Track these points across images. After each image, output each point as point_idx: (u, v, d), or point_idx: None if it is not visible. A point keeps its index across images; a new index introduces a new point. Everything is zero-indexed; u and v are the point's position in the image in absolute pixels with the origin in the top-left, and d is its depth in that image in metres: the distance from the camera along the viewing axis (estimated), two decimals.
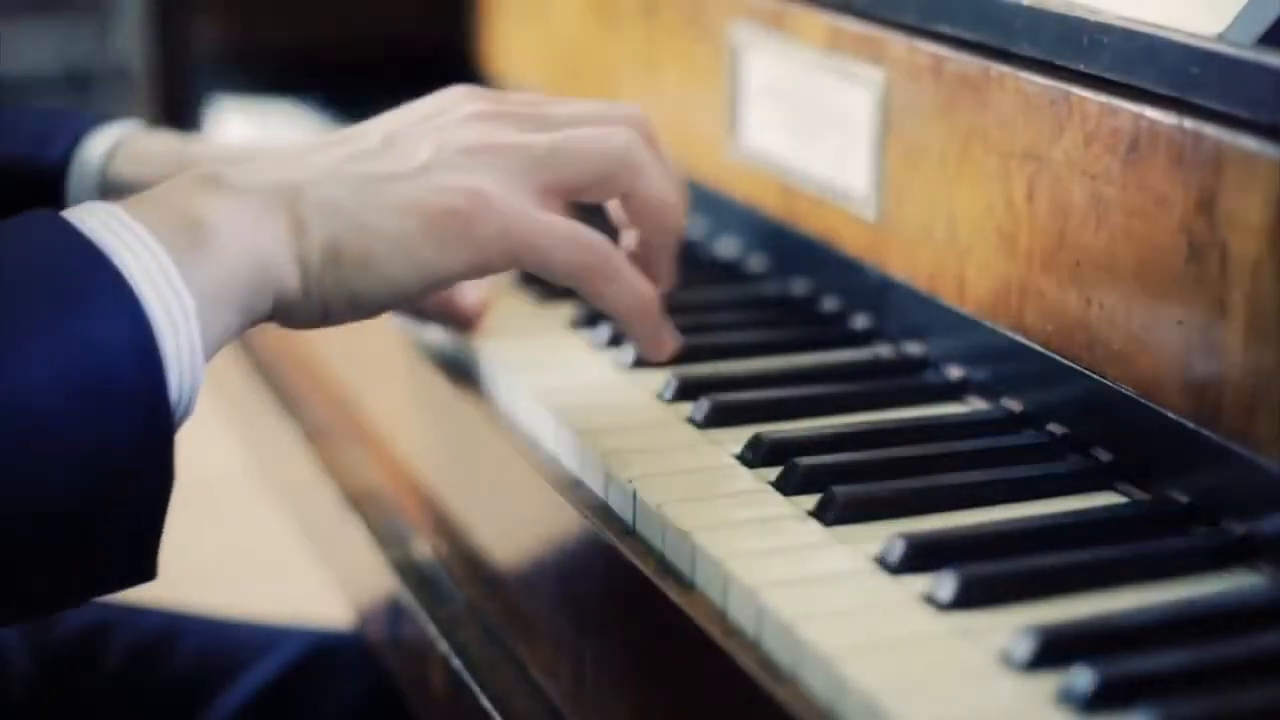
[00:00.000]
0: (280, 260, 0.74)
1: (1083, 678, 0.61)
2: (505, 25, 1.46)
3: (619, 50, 1.22)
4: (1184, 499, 0.74)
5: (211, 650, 1.15)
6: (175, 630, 1.16)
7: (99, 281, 0.69)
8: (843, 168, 0.97)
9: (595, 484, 0.80)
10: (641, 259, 0.84)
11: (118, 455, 0.68)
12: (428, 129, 0.80)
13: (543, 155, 0.79)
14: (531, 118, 0.82)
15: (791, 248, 1.02)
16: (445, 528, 0.97)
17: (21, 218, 0.72)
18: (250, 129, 1.43)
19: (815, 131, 0.99)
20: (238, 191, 0.75)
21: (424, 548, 0.98)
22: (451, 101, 0.82)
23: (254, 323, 0.75)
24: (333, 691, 1.15)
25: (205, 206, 0.73)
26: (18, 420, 0.66)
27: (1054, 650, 0.63)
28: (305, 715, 1.15)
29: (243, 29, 1.55)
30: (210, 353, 0.72)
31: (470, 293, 0.96)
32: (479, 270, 0.78)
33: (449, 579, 0.94)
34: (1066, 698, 0.61)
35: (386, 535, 1.00)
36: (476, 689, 0.85)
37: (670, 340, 0.83)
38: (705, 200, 1.10)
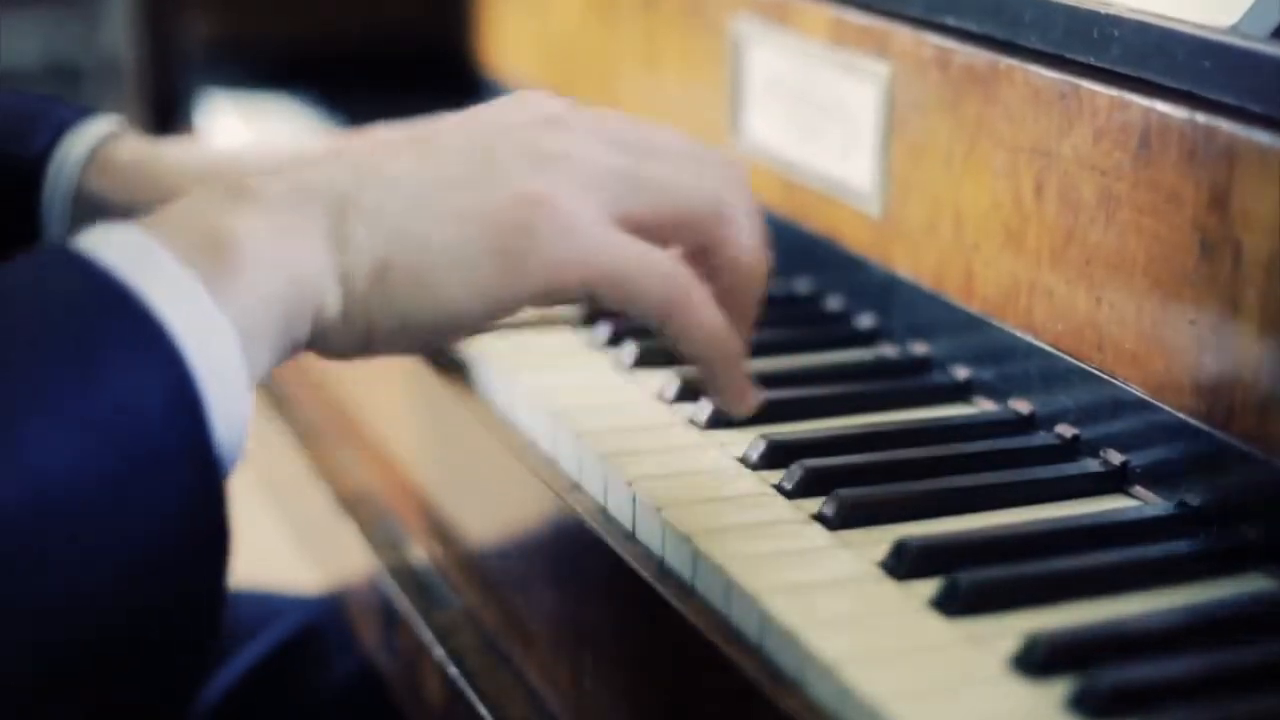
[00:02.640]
0: (320, 278, 0.66)
1: (1091, 684, 0.60)
2: (501, 20, 1.46)
3: (618, 45, 1.22)
4: (1196, 502, 0.74)
5: None
6: None
7: (126, 328, 0.61)
8: (847, 163, 0.97)
9: (594, 487, 0.80)
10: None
11: (166, 533, 0.61)
12: (497, 128, 0.70)
13: (628, 177, 0.69)
14: (617, 137, 0.72)
15: (794, 245, 1.02)
16: (440, 531, 0.96)
17: (35, 256, 0.65)
18: (241, 124, 1.43)
19: (818, 126, 0.99)
20: (267, 201, 0.67)
21: (419, 551, 0.98)
22: (527, 103, 0.73)
23: (295, 350, 0.68)
24: (325, 666, 1.15)
25: (232, 221, 0.65)
26: (48, 516, 0.59)
27: (1062, 656, 0.62)
28: (297, 691, 1.15)
29: (234, 22, 1.55)
30: (254, 385, 0.65)
31: None
32: (549, 297, 0.68)
33: (444, 583, 0.94)
34: (1075, 705, 0.60)
35: (380, 538, 1.00)
36: (473, 696, 0.85)
37: (753, 393, 0.73)
38: None
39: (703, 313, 0.69)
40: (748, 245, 0.72)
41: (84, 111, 1.01)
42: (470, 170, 0.68)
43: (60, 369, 0.60)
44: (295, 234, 0.66)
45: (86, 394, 0.60)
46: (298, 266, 0.66)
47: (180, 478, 0.62)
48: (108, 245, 0.64)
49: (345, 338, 0.68)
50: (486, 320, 0.69)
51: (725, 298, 0.72)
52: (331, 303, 0.67)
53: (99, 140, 0.99)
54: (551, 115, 0.72)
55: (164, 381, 0.61)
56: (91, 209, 0.98)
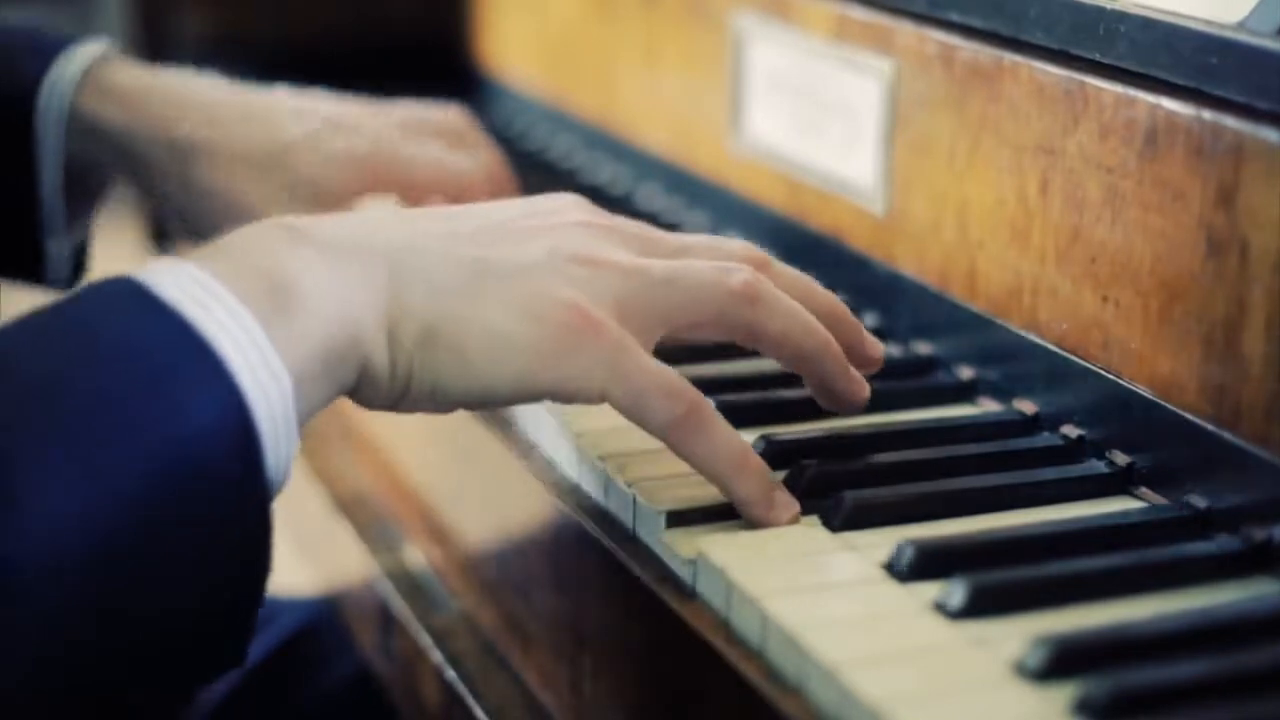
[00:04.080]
0: (372, 330, 0.70)
1: (1097, 688, 0.60)
2: (500, 16, 1.46)
3: (618, 42, 1.22)
4: (1203, 504, 0.73)
5: None
6: None
7: (192, 367, 0.64)
8: (849, 161, 0.97)
9: (594, 489, 0.80)
10: (813, 385, 0.79)
11: (215, 560, 0.65)
12: (538, 227, 0.75)
13: (659, 281, 0.74)
14: (642, 239, 0.77)
15: (796, 244, 1.02)
16: (438, 533, 0.96)
17: (97, 287, 0.67)
18: None
19: (821, 124, 0.99)
20: (330, 249, 0.70)
21: (416, 554, 0.98)
22: (560, 204, 0.77)
23: (341, 394, 0.71)
24: (322, 669, 1.16)
25: (293, 266, 0.68)
26: (115, 539, 0.62)
27: (1068, 660, 0.62)
28: (294, 694, 1.15)
29: (230, 19, 1.55)
30: (301, 426, 0.68)
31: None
32: (569, 394, 0.72)
33: (442, 586, 0.94)
34: (1081, 709, 0.60)
35: (378, 540, 1.00)
36: (471, 701, 0.85)
37: (781, 509, 0.74)
38: (707, 195, 1.11)
39: (706, 431, 0.73)
40: (782, 324, 0.76)
41: (74, 37, 1.02)
42: (517, 259, 0.72)
43: (130, 399, 0.63)
44: (352, 284, 0.69)
45: (157, 428, 0.63)
46: (351, 316, 0.69)
47: (234, 512, 0.65)
48: (172, 281, 0.66)
49: (383, 392, 0.71)
50: (512, 401, 0.73)
51: (793, 369, 0.78)
52: (379, 356, 0.70)
53: (91, 61, 1.00)
54: (583, 218, 0.76)
55: (227, 420, 0.64)
56: (86, 131, 1.00)
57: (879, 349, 0.81)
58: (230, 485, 0.65)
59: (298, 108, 1.03)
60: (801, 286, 0.79)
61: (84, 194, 1.04)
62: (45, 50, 1.00)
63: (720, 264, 0.76)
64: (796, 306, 0.76)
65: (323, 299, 0.68)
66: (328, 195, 0.99)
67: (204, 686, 0.69)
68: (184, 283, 0.66)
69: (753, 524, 0.74)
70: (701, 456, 0.73)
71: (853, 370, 0.78)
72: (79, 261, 1.06)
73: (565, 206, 0.78)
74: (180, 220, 1.03)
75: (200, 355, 0.64)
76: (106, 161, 1.02)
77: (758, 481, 0.73)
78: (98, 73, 1.00)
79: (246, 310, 0.66)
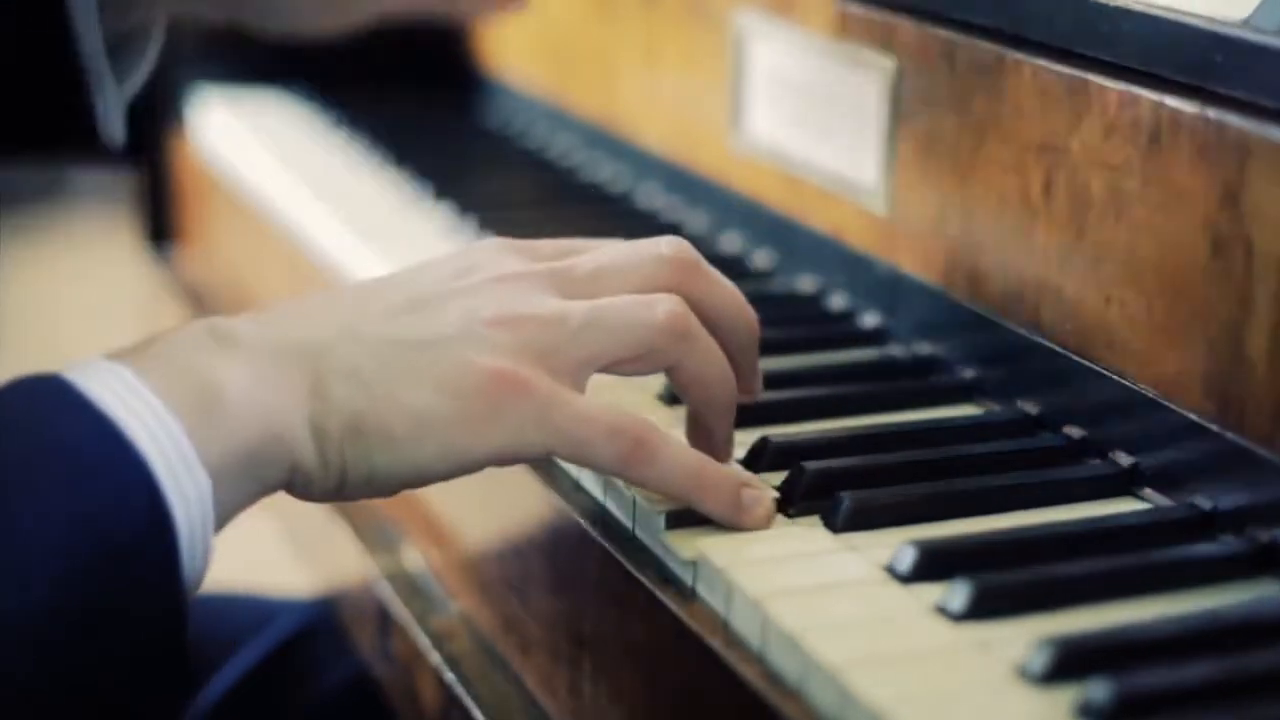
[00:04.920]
0: (296, 431, 0.71)
1: (1101, 691, 0.60)
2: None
3: (618, 40, 1.22)
4: (1207, 505, 0.73)
5: (198, 631, 1.14)
6: None
7: (113, 464, 0.66)
8: (851, 160, 0.96)
9: (593, 489, 0.79)
10: (700, 428, 0.78)
11: (134, 647, 0.67)
12: (455, 290, 0.75)
13: (581, 327, 0.74)
14: (566, 276, 0.77)
15: (798, 243, 1.02)
16: (437, 534, 0.96)
17: (23, 382, 0.69)
18: (233, 119, 1.43)
19: (823, 122, 0.99)
20: (253, 352, 0.71)
21: (414, 555, 0.97)
22: (480, 258, 0.77)
23: (266, 493, 0.72)
24: (319, 672, 1.16)
25: (218, 370, 0.70)
26: (25, 630, 0.64)
27: (1071, 662, 0.62)
28: (292, 697, 1.15)
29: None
30: (219, 528, 0.70)
31: None
32: (511, 457, 0.73)
33: (440, 587, 0.94)
34: (1084, 712, 0.60)
35: (376, 541, 1.00)
36: (470, 703, 0.84)
37: (753, 507, 0.74)
38: (708, 194, 1.11)
39: (657, 459, 0.73)
40: (701, 363, 0.76)
41: None
42: (435, 330, 0.73)
43: (50, 494, 0.66)
44: (273, 386, 0.71)
45: (74, 516, 0.65)
46: (276, 419, 0.70)
47: (149, 605, 0.67)
48: (96, 379, 0.68)
49: (318, 486, 0.72)
50: (450, 476, 0.73)
51: (698, 410, 0.78)
52: (305, 454, 0.71)
53: None
54: (501, 272, 0.76)
55: (144, 518, 0.66)
56: None
57: (758, 387, 0.81)
58: (145, 576, 0.67)
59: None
60: (729, 296, 0.79)
61: (130, 48, 1.04)
62: None
63: (643, 298, 0.76)
64: (717, 353, 0.76)
65: (245, 403, 0.70)
66: None
67: None
68: (108, 380, 0.68)
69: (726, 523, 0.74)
70: (658, 484, 0.74)
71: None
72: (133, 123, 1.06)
73: (483, 259, 0.77)
74: (257, 14, 1.05)
75: (119, 450, 0.66)
76: None
77: (720, 491, 0.74)
78: None
79: (168, 410, 0.68)
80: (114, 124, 1.03)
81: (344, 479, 0.72)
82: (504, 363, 0.72)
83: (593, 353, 0.74)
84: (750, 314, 0.79)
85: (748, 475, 0.76)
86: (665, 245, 0.78)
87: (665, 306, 0.75)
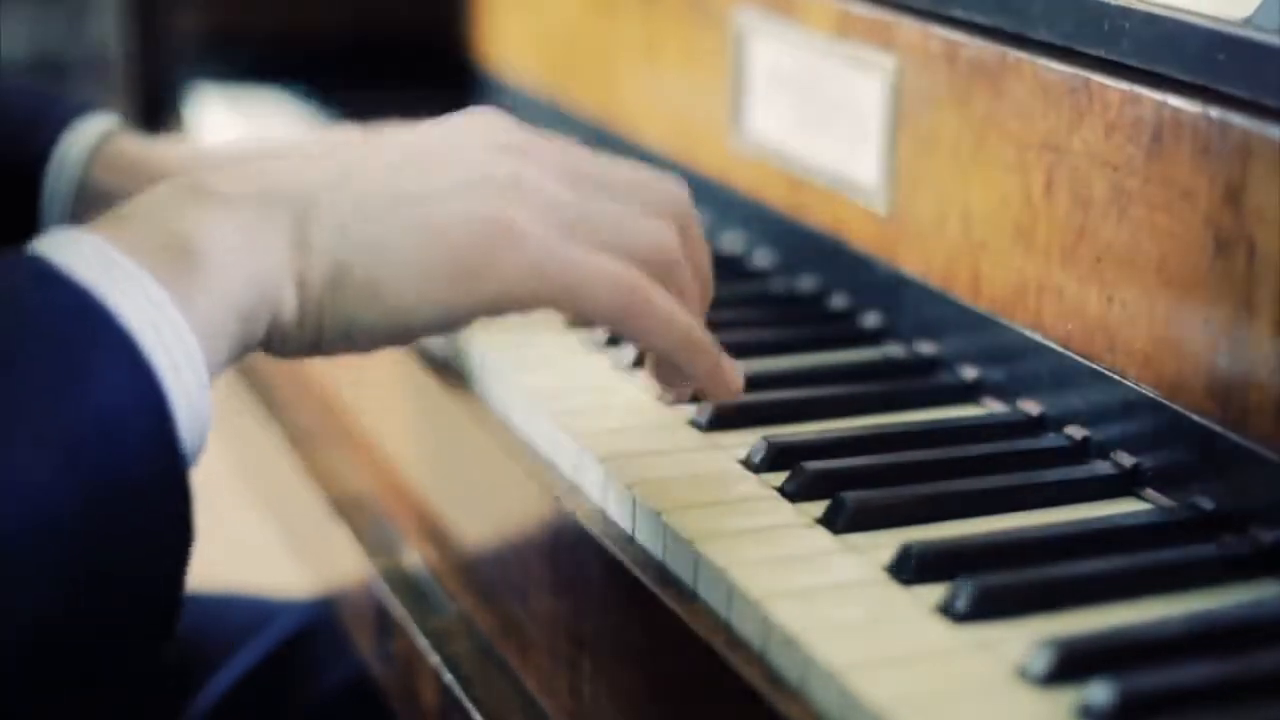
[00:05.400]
0: (279, 281, 0.69)
1: (1103, 693, 0.60)
2: (498, 11, 1.46)
3: (618, 37, 1.22)
4: (1210, 505, 0.73)
5: (198, 631, 1.14)
6: None
7: (99, 341, 0.64)
8: (852, 159, 0.96)
9: (593, 490, 0.79)
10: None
11: (134, 529, 0.65)
12: (452, 150, 0.74)
13: (579, 213, 0.73)
14: (572, 170, 0.76)
15: (798, 243, 1.02)
16: (436, 535, 0.96)
17: (2, 263, 0.67)
18: (231, 118, 1.43)
19: (823, 121, 0.99)
20: (230, 203, 0.69)
21: (413, 556, 0.97)
22: (479, 126, 0.76)
23: (248, 350, 0.71)
24: (318, 673, 1.16)
25: (195, 225, 0.68)
26: (31, 529, 0.62)
27: (1073, 664, 0.62)
28: (291, 698, 1.15)
29: (225, 14, 1.55)
30: (210, 385, 0.68)
31: None
32: (499, 309, 0.72)
33: (440, 588, 0.93)
34: (1086, 713, 0.60)
35: (374, 542, 0.99)
36: (469, 704, 0.84)
37: (735, 376, 0.76)
38: (708, 193, 1.10)
39: (657, 311, 0.73)
40: (673, 314, 0.74)
41: (82, 108, 1.03)
42: (430, 186, 0.72)
43: (37, 380, 0.63)
44: (257, 237, 0.69)
45: (64, 405, 0.63)
46: (258, 270, 0.69)
47: (148, 476, 0.65)
48: (74, 253, 0.66)
49: (296, 339, 0.71)
50: (435, 330, 0.72)
51: (659, 350, 0.76)
52: (288, 306, 0.70)
53: (100, 138, 1.01)
54: (511, 141, 0.75)
55: (134, 387, 0.64)
56: (95, 202, 1.00)
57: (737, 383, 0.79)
58: (143, 442, 0.65)
59: (295, 146, 1.04)
60: (704, 268, 0.78)
61: None
62: (51, 122, 1.01)
63: (639, 212, 0.75)
64: (676, 316, 0.74)
65: (226, 257, 0.68)
66: None
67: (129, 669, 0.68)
68: (86, 253, 0.66)
69: (713, 398, 0.77)
70: (651, 336, 0.73)
71: (724, 361, 0.76)
72: None
73: (482, 128, 0.76)
74: None
75: (111, 333, 0.65)
76: None
77: (708, 354, 0.75)
78: (105, 148, 1.01)
79: (152, 280, 0.66)
80: None
81: (320, 333, 0.71)
82: (498, 211, 0.71)
83: (590, 228, 0.73)
84: (710, 288, 0.79)
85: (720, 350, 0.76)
86: (671, 184, 0.78)
87: (658, 230, 0.75)
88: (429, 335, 0.73)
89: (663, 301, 0.73)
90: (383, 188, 0.72)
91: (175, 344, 0.66)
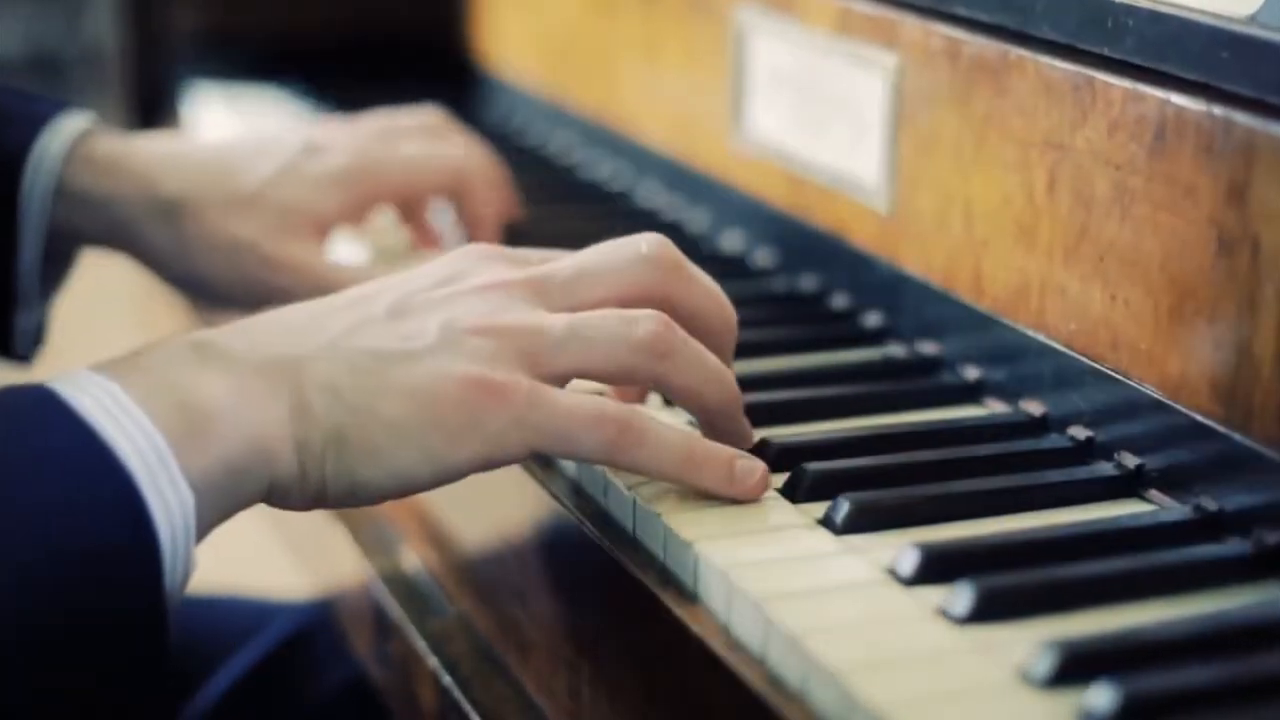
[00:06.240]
0: (278, 445, 0.72)
1: (1106, 695, 0.59)
2: (498, 11, 1.46)
3: (617, 36, 1.22)
4: (1214, 506, 0.73)
5: (196, 633, 1.14)
6: None
7: (97, 475, 0.67)
8: (853, 157, 0.96)
9: (594, 491, 0.79)
10: (711, 430, 0.78)
11: (111, 669, 0.68)
12: (436, 300, 0.76)
13: (558, 340, 0.74)
14: (547, 282, 0.77)
15: (799, 242, 1.02)
16: (435, 536, 0.96)
17: (9, 391, 0.70)
18: (228, 115, 1.43)
19: (824, 119, 0.99)
20: (236, 367, 0.72)
21: (412, 557, 0.97)
22: (463, 265, 0.78)
23: (245, 506, 0.73)
24: (317, 674, 1.16)
25: (203, 386, 0.71)
26: (7, 636, 0.65)
27: (1076, 666, 0.62)
28: (289, 700, 1.15)
29: (221, 12, 1.55)
30: (198, 542, 0.71)
31: None
32: (495, 462, 0.74)
33: (438, 590, 0.93)
34: (1089, 716, 0.60)
35: (373, 544, 0.99)
36: (468, 706, 0.84)
37: (747, 478, 0.75)
38: (709, 192, 1.11)
39: (649, 441, 0.73)
40: (685, 378, 0.76)
41: (59, 106, 1.04)
42: (411, 343, 0.74)
43: (36, 503, 0.67)
44: (258, 403, 0.72)
45: (56, 529, 0.66)
46: (258, 434, 0.71)
47: (132, 621, 0.68)
48: (84, 391, 0.69)
49: (299, 495, 0.73)
50: (434, 484, 0.74)
51: (697, 416, 0.78)
52: (286, 467, 0.72)
53: (77, 136, 1.02)
54: (484, 282, 0.76)
55: (128, 530, 0.67)
56: (72, 205, 1.02)
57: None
58: (128, 585, 0.67)
59: (274, 139, 1.05)
60: (710, 296, 0.79)
61: (55, 268, 1.06)
62: (29, 121, 1.02)
63: (626, 314, 0.75)
64: (703, 355, 0.76)
65: (231, 420, 0.71)
66: (321, 217, 1.02)
67: None
68: (94, 393, 0.69)
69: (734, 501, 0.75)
70: (649, 467, 0.74)
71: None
72: (38, 335, 1.07)
73: (467, 267, 0.77)
74: (183, 286, 1.06)
75: (104, 461, 0.67)
76: (94, 234, 1.04)
77: (714, 466, 0.74)
78: (83, 147, 1.02)
79: (157, 430, 0.69)
80: (27, 340, 1.05)
81: (324, 490, 0.73)
82: (481, 370, 0.73)
83: (572, 365, 0.75)
84: (730, 314, 0.79)
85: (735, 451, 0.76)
86: (645, 244, 0.78)
87: (646, 326, 0.75)
88: (429, 489, 0.74)
89: (647, 426, 0.74)
90: (370, 347, 0.74)
91: (171, 493, 0.68)
